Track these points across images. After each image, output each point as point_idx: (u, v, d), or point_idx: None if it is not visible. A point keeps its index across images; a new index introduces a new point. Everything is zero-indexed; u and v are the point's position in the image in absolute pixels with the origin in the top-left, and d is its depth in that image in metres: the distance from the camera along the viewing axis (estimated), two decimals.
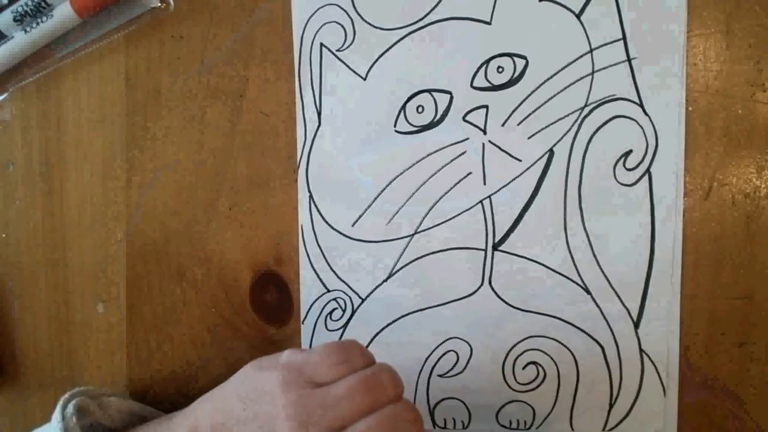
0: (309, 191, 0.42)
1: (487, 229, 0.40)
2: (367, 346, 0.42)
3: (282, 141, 0.42)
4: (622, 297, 0.40)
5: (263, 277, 0.43)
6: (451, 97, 0.40)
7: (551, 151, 0.40)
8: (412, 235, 0.41)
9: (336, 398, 0.31)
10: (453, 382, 0.42)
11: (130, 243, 0.44)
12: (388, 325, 0.42)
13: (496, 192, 0.40)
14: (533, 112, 0.39)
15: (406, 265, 0.42)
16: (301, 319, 0.43)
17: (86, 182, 0.43)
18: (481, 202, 0.40)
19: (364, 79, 0.41)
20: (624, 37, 0.39)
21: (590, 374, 0.40)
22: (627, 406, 0.39)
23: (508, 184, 0.40)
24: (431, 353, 0.42)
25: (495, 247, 0.40)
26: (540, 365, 0.40)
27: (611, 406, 0.40)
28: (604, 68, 0.39)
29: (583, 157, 0.40)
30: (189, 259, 0.44)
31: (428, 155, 0.41)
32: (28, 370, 0.48)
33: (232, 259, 0.43)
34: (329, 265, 0.42)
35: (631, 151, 0.40)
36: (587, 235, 0.40)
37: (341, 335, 0.42)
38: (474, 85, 0.40)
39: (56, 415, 0.37)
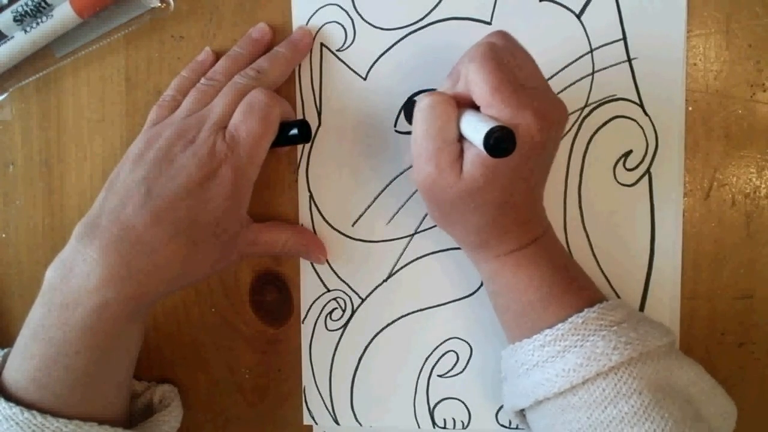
0: (309, 191, 0.42)
1: None
2: (367, 346, 0.42)
3: None
4: (622, 297, 0.40)
5: (263, 277, 0.43)
6: None
7: None
8: (412, 235, 0.41)
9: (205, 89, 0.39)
10: (453, 382, 0.42)
11: None
12: (388, 325, 0.42)
13: None
14: None
15: (406, 265, 0.42)
16: (301, 319, 0.43)
17: (86, 182, 0.43)
18: None
19: (364, 79, 0.41)
20: (624, 37, 0.39)
21: None
22: None
23: None
24: (431, 353, 0.42)
25: None
26: None
27: None
28: (604, 68, 0.39)
29: (583, 157, 0.40)
30: None
31: None
32: None
33: None
34: (329, 264, 0.42)
35: (631, 151, 0.40)
36: (587, 235, 0.40)
37: (341, 335, 0.42)
38: None
39: None
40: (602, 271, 0.40)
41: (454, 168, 0.32)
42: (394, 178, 0.41)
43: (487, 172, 0.32)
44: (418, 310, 0.42)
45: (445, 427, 0.42)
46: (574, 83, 0.39)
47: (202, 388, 0.44)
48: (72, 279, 0.33)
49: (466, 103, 0.33)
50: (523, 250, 0.35)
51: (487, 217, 0.34)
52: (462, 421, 0.42)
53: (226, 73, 0.39)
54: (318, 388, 0.43)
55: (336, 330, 0.42)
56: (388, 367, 0.42)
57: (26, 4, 0.40)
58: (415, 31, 0.40)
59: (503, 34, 0.34)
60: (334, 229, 0.42)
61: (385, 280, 0.42)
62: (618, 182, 0.40)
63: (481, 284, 0.41)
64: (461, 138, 0.33)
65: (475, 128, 0.30)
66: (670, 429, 0.30)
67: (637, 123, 0.39)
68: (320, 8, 0.41)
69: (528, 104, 0.31)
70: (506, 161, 0.31)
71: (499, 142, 0.28)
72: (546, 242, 0.36)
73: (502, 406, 0.41)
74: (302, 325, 0.43)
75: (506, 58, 0.32)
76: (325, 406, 0.43)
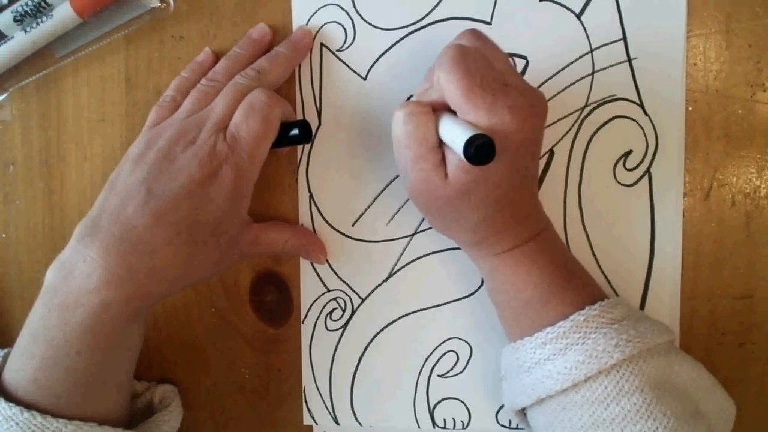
0: (309, 191, 0.42)
1: None
2: (367, 346, 0.42)
3: None
4: (622, 296, 0.40)
5: (263, 277, 0.43)
6: None
7: (551, 151, 0.40)
8: (412, 235, 0.41)
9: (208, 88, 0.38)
10: (453, 382, 0.42)
11: None
12: (388, 325, 0.42)
13: None
14: None
15: (406, 265, 0.42)
16: (301, 319, 0.43)
17: (86, 182, 0.43)
18: None
19: (364, 79, 0.41)
20: (624, 37, 0.39)
21: None
22: None
23: None
24: (431, 353, 0.42)
25: None
26: None
27: None
28: (604, 68, 0.39)
29: (583, 157, 0.40)
30: None
31: None
32: None
33: None
34: (329, 265, 0.42)
35: (631, 151, 0.40)
36: (587, 235, 0.40)
37: (341, 335, 0.42)
38: None
39: None
40: (602, 271, 0.40)
41: (439, 172, 0.32)
42: (394, 178, 0.41)
43: (477, 175, 0.32)
44: (418, 310, 0.42)
45: (445, 427, 0.42)
46: (574, 83, 0.39)
47: (202, 388, 0.44)
48: (72, 280, 0.33)
49: (443, 107, 0.33)
50: (522, 246, 0.35)
51: (484, 215, 0.34)
52: (462, 421, 0.42)
53: (227, 74, 0.39)
54: (318, 388, 0.43)
55: (336, 330, 0.42)
56: (388, 367, 0.42)
57: (26, 4, 0.40)
58: (415, 31, 0.40)
59: (473, 33, 0.34)
60: (334, 229, 0.42)
61: (385, 280, 0.42)
62: (618, 182, 0.40)
63: (482, 284, 0.41)
64: (442, 143, 0.33)
65: (453, 136, 0.30)
66: (672, 426, 0.31)
67: (637, 123, 0.39)
68: (320, 8, 0.41)
69: (503, 103, 0.31)
70: (496, 161, 0.31)
71: (479, 150, 0.28)
72: (545, 239, 0.36)
73: (502, 406, 0.41)
74: (302, 325, 0.43)
75: (476, 60, 0.32)
76: (325, 406, 0.43)
